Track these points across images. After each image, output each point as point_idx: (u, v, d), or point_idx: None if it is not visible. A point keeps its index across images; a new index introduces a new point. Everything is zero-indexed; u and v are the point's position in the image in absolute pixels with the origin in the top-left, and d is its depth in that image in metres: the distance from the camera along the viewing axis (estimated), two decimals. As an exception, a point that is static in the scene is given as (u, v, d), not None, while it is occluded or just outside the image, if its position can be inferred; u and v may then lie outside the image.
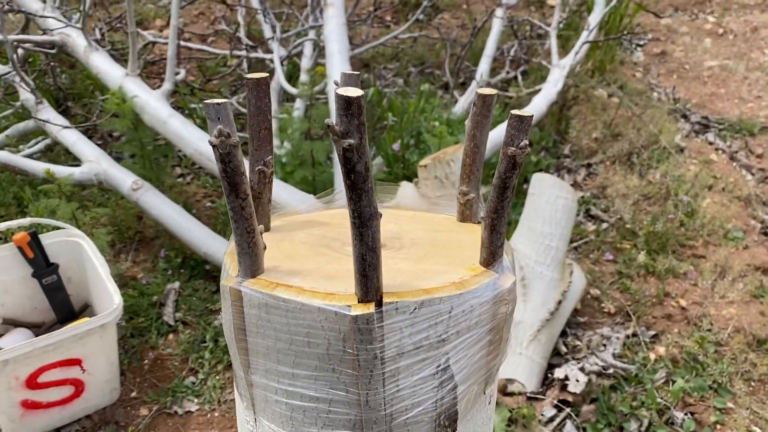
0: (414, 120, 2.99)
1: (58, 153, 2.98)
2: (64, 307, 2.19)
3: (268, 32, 3.53)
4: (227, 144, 0.57)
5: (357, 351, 0.60)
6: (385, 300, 0.60)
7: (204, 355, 2.17)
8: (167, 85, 2.61)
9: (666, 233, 2.66)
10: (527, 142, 0.61)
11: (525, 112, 0.61)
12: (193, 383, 2.10)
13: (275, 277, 0.64)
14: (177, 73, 2.91)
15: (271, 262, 0.67)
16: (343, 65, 2.69)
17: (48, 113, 2.65)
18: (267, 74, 0.72)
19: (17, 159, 2.43)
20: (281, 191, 2.26)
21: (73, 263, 2.18)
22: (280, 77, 3.11)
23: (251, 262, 0.64)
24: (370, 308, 0.59)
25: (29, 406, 1.89)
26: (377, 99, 3.11)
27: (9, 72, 2.63)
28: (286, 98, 3.41)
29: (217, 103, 0.57)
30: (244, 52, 3.58)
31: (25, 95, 2.68)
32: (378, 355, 0.60)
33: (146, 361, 2.18)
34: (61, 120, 2.65)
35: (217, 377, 2.10)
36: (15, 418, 1.88)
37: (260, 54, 3.53)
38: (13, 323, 2.15)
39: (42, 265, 2.11)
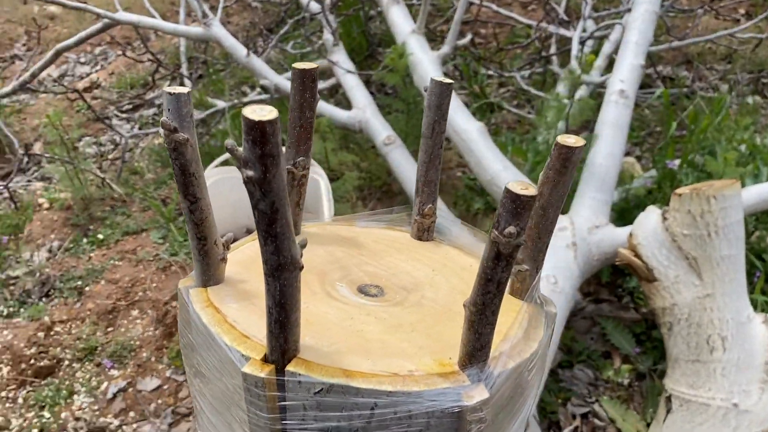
0: (712, 136, 2.52)
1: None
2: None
3: (585, 9, 3.27)
4: (172, 139, 0.50)
5: (248, 413, 0.50)
6: (290, 368, 0.48)
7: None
8: (445, 49, 2.59)
9: None
10: (515, 230, 0.43)
11: (530, 188, 0.43)
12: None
13: (217, 294, 0.57)
14: (461, 37, 2.87)
15: (240, 275, 0.60)
16: (636, 58, 2.37)
17: (339, 56, 2.84)
18: (316, 65, 0.62)
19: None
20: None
21: (311, 198, 2.34)
22: (572, 59, 2.88)
23: (202, 271, 0.57)
24: (264, 371, 0.48)
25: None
26: (666, 103, 2.69)
27: (318, 13, 2.87)
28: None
29: (171, 93, 0.50)
30: (551, 27, 3.38)
31: (327, 35, 2.90)
32: (271, 428, 0.50)
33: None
34: (348, 64, 2.81)
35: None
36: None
37: (565, 31, 3.29)
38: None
39: (283, 193, 2.31)
